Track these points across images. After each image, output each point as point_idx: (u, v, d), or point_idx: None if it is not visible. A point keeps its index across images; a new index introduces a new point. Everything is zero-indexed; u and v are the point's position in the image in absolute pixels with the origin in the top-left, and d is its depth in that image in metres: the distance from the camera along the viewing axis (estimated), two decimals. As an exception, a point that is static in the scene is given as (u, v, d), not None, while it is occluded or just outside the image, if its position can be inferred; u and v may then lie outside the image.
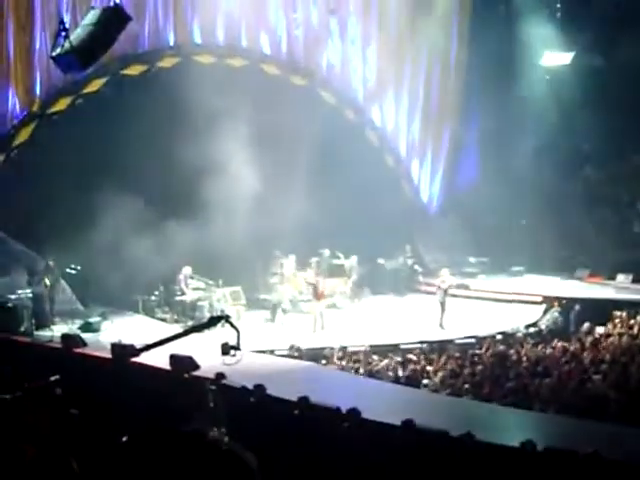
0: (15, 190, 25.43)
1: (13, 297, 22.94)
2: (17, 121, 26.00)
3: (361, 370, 19.55)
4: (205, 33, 29.26)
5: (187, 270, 26.70)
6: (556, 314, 26.25)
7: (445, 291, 26.34)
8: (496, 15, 33.60)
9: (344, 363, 20.31)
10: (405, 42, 33.43)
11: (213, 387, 12.99)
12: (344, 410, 12.20)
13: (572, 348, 21.04)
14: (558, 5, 33.51)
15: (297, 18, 31.30)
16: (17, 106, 25.91)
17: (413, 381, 18.13)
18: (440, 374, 18.42)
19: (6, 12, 25.17)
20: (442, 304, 26.16)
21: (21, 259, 24.79)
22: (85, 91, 27.27)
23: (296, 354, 21.22)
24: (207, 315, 23.88)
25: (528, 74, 32.98)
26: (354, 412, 12.04)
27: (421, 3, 32.94)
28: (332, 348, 21.62)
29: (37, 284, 23.47)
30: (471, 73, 34.27)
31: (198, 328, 15.95)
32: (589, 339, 21.95)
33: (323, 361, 20.66)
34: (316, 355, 21.20)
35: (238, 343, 10.57)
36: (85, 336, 21.00)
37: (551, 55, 33.47)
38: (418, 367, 19.39)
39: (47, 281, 24.21)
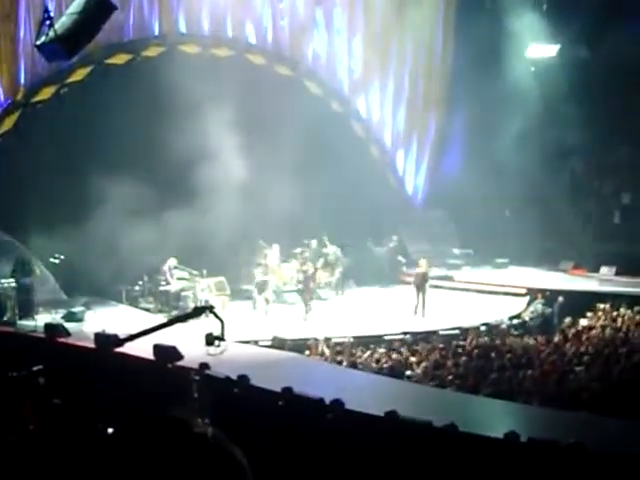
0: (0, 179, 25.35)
1: (-3, 286, 22.89)
2: (1, 110, 25.89)
3: (345, 361, 19.56)
4: (190, 22, 29.18)
5: (172, 261, 26.66)
6: (540, 306, 26.31)
7: (423, 279, 26.45)
8: (482, 6, 33.55)
9: (328, 354, 20.31)
10: (391, 33, 33.39)
11: (197, 377, 12.98)
12: (328, 401, 12.21)
13: (555, 340, 21.12)
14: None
15: (283, 8, 31.22)
16: (1, 95, 25.80)
17: (397, 372, 18.15)
18: (424, 365, 18.45)
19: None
20: (422, 293, 26.25)
21: (5, 249, 24.70)
22: (70, 80, 27.17)
23: (279, 345, 21.23)
24: (191, 305, 23.88)
25: (514, 66, 32.95)
26: (338, 403, 12.05)
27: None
28: (316, 339, 21.60)
29: (22, 274, 23.35)
30: (457, 64, 34.27)
31: (182, 318, 15.94)
32: (572, 331, 22.03)
33: (307, 352, 20.67)
34: (300, 346, 21.20)
35: (222, 333, 10.58)
36: (68, 326, 20.98)
37: (537, 47, 33.48)
38: (402, 358, 19.40)
39: (37, 271, 24.17)
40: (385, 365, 18.82)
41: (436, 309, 26.40)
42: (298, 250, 29.39)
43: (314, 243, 30.22)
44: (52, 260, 25.25)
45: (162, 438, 2.15)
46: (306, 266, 27.47)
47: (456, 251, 33.17)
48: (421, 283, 26.53)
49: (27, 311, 22.56)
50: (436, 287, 28.95)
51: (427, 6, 33.33)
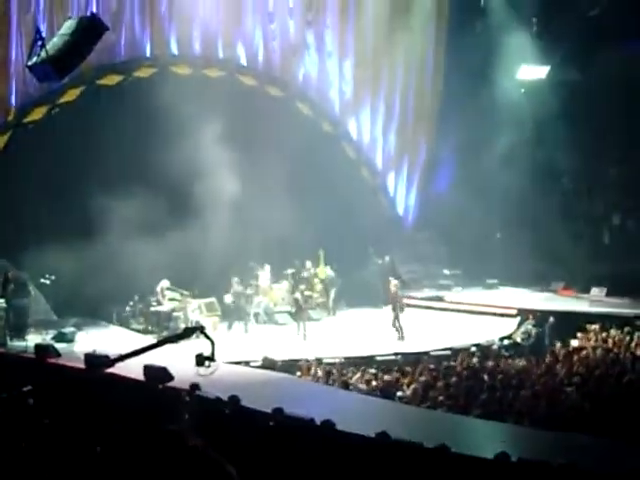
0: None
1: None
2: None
3: (336, 382, 19.52)
4: (182, 43, 29.24)
5: (165, 283, 26.68)
6: (530, 327, 26.30)
7: (395, 301, 26.48)
8: (473, 29, 33.75)
9: (319, 375, 20.27)
10: (382, 55, 33.51)
11: (188, 398, 12.96)
12: (318, 422, 12.19)
13: (546, 361, 21.12)
14: (534, 19, 33.67)
15: (274, 29, 31.30)
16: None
17: (387, 393, 18.12)
18: (414, 386, 18.42)
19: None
20: (395, 314, 26.26)
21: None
22: (61, 101, 27.18)
23: (269, 366, 21.19)
24: (182, 326, 23.83)
25: (504, 87, 33.09)
26: (329, 424, 12.03)
27: (398, 16, 33.07)
28: (307, 360, 21.59)
29: (17, 295, 23.27)
30: (447, 86, 34.39)
31: (172, 339, 15.90)
32: (563, 352, 22.04)
33: (298, 373, 20.63)
34: (291, 367, 21.17)
35: (213, 354, 10.54)
36: (59, 346, 20.94)
37: (527, 69, 33.65)
38: (393, 379, 19.37)
39: (32, 291, 24.12)
40: (376, 386, 18.79)
41: (427, 330, 26.38)
42: (289, 271, 29.39)
43: (308, 264, 30.25)
44: (43, 281, 25.20)
45: (157, 450, 2.16)
46: (298, 291, 27.56)
47: (446, 272, 33.18)
48: (393, 304, 26.56)
49: (20, 332, 22.48)
50: (427, 308, 28.97)
51: (418, 28, 33.49)
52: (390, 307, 26.62)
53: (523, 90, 34.24)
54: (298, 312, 26.99)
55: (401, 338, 25.84)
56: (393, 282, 27.37)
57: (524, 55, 33.09)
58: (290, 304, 27.76)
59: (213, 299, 27.53)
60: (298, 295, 27.48)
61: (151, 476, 2.15)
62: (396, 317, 26.28)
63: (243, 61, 30.79)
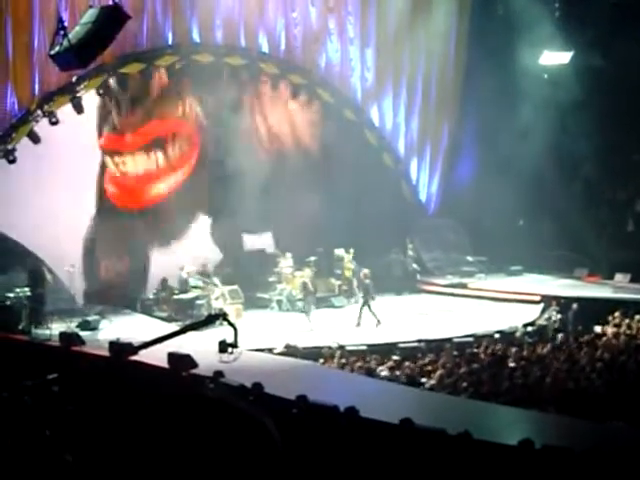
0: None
1: (12, 295, 22.94)
2: (15, 119, 25.96)
3: (359, 369, 19.53)
4: (204, 32, 29.22)
5: (189, 268, 26.85)
6: (554, 313, 26.24)
7: (366, 290, 26.58)
8: (495, 14, 33.57)
9: (342, 362, 20.29)
10: (403, 41, 33.41)
11: (212, 385, 13.01)
12: (342, 409, 12.20)
13: (570, 347, 21.07)
14: (557, 4, 33.47)
15: (296, 17, 31.26)
16: (15, 104, 25.88)
17: (411, 380, 18.13)
18: (438, 373, 18.41)
19: (5, 11, 25.13)
20: (367, 303, 26.38)
21: (20, 258, 24.79)
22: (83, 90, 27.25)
23: (293, 353, 21.23)
24: (205, 313, 23.91)
25: (527, 73, 32.93)
26: (352, 411, 12.04)
27: (419, 2, 32.96)
28: (330, 347, 21.61)
29: (34, 283, 23.41)
30: (469, 72, 34.26)
31: (196, 326, 15.99)
32: (586, 338, 21.98)
33: (321, 360, 20.65)
34: (314, 354, 21.19)
35: (236, 341, 10.60)
36: (83, 334, 21.04)
37: (549, 54, 33.44)
38: (416, 366, 19.38)
39: (50, 279, 24.27)
40: (399, 373, 18.80)
41: (450, 317, 26.37)
42: (312, 258, 29.45)
43: (342, 251, 30.40)
44: (67, 269, 25.35)
45: (201, 413, 2.20)
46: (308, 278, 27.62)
47: (469, 259, 33.08)
48: (364, 293, 26.67)
49: (41, 320, 22.60)
50: (450, 295, 28.92)
51: (440, 14, 33.37)
52: (361, 295, 26.69)
53: (546, 76, 34.04)
54: (307, 297, 26.95)
55: (378, 323, 25.94)
56: (364, 271, 27.43)
57: (547, 41, 32.88)
58: (300, 289, 27.66)
59: (236, 286, 27.61)
60: (307, 280, 27.48)
61: (194, 433, 2.20)
62: (366, 304, 26.35)
63: (265, 49, 30.76)
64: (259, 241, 31.02)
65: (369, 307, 26.23)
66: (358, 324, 26.04)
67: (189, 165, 29.63)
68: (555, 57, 33.49)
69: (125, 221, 27.93)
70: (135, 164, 28.60)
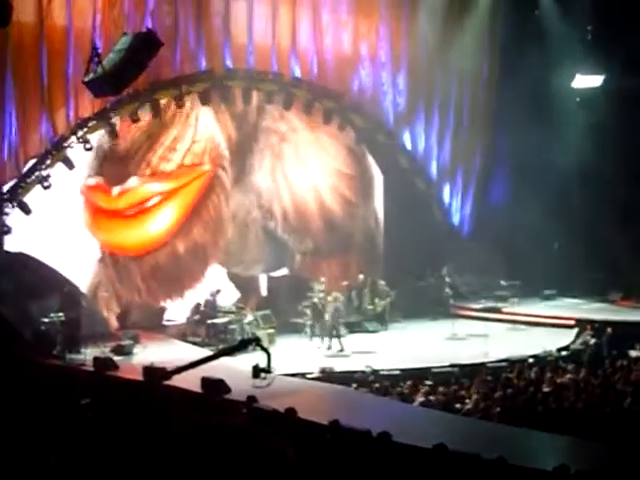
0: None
1: (46, 320, 23.07)
2: (50, 146, 26.17)
3: (392, 393, 19.48)
4: (236, 57, 29.37)
5: (219, 293, 26.96)
6: (589, 337, 26.08)
7: (336, 315, 26.66)
8: (527, 37, 33.54)
9: (376, 386, 20.24)
10: (435, 65, 33.47)
11: (244, 410, 13.00)
12: (375, 434, 12.17)
13: (604, 372, 20.92)
14: (589, 27, 33.44)
15: (328, 43, 31.39)
16: (50, 131, 26.10)
17: (444, 405, 18.05)
18: (471, 398, 18.33)
19: (40, 39, 25.40)
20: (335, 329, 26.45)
21: (54, 282, 24.93)
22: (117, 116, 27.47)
23: (327, 377, 21.21)
24: (238, 338, 23.95)
25: (559, 96, 32.91)
26: (384, 435, 12.00)
27: (451, 26, 33.01)
28: (363, 372, 21.58)
29: (70, 307, 23.54)
30: (502, 95, 34.20)
31: (229, 351, 16.01)
32: (621, 362, 21.81)
33: (354, 384, 20.61)
34: (347, 378, 21.16)
35: (269, 366, 10.58)
36: (117, 359, 21.11)
37: (582, 78, 33.40)
38: (449, 391, 19.29)
39: (84, 304, 24.40)
40: (432, 398, 18.72)
41: (483, 341, 26.24)
42: (344, 283, 29.45)
43: (360, 276, 30.40)
44: (102, 294, 25.53)
45: (222, 442, 2.21)
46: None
47: (503, 283, 32.93)
48: (332, 318, 26.74)
49: (75, 345, 22.71)
50: (483, 319, 28.79)
51: (472, 38, 33.41)
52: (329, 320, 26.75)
53: (578, 99, 34.00)
54: (316, 318, 27.03)
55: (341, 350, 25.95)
56: (334, 294, 27.51)
57: (579, 64, 32.87)
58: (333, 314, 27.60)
59: (269, 311, 27.69)
60: (316, 300, 27.50)
61: (215, 463, 2.21)
62: (334, 329, 26.40)
63: (297, 74, 30.87)
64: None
65: (337, 331, 26.32)
66: (341, 349, 26.04)
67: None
68: (587, 80, 33.44)
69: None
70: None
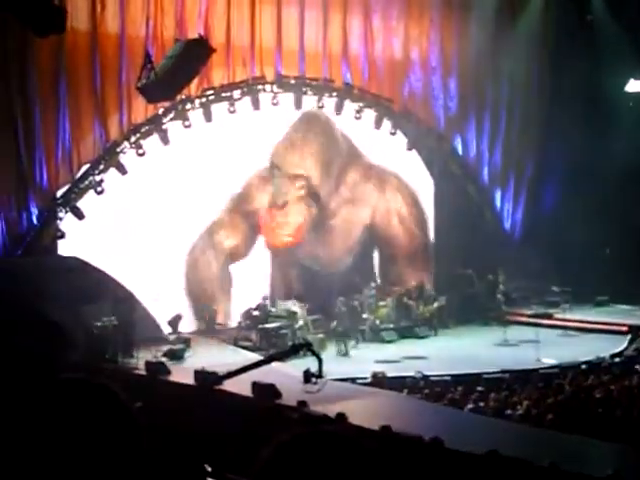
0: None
1: (99, 324, 23.25)
2: (103, 151, 26.43)
3: (443, 400, 19.42)
4: (288, 63, 29.48)
5: (270, 298, 27.07)
6: (642, 344, 25.86)
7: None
8: (579, 41, 33.30)
9: (426, 392, 20.19)
10: (486, 69, 33.32)
11: (295, 415, 13.04)
12: (426, 439, 12.15)
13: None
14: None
15: (378, 48, 31.41)
16: (103, 136, 26.36)
17: (496, 411, 17.96)
18: (523, 404, 18.22)
19: (94, 47, 25.69)
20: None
21: (109, 287, 25.14)
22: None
23: (377, 383, 21.19)
24: (289, 343, 23.99)
25: (612, 101, 32.64)
26: (436, 441, 11.98)
27: (502, 31, 32.84)
28: (414, 377, 21.54)
29: (123, 312, 23.71)
30: (553, 99, 33.99)
31: (280, 356, 16.08)
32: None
33: (405, 390, 20.58)
34: (398, 384, 21.13)
35: (320, 371, 10.63)
36: (169, 363, 21.25)
37: (635, 82, 33.11)
38: (501, 397, 19.20)
39: (137, 309, 24.57)
40: (483, 404, 18.64)
41: (535, 347, 26.08)
42: (395, 288, 29.41)
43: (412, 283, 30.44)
44: (154, 298, 25.70)
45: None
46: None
47: (555, 288, 32.67)
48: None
49: (127, 349, 22.88)
50: (535, 325, 28.60)
51: (523, 41, 33.19)
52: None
53: (631, 103, 33.70)
54: (389, 327, 27.26)
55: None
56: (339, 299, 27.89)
57: (633, 68, 32.59)
58: (384, 319, 27.49)
59: (319, 316, 27.72)
60: (390, 310, 27.56)
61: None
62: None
63: (349, 80, 30.91)
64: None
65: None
66: (346, 353, 26.06)
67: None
68: (640, 85, 33.18)
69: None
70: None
